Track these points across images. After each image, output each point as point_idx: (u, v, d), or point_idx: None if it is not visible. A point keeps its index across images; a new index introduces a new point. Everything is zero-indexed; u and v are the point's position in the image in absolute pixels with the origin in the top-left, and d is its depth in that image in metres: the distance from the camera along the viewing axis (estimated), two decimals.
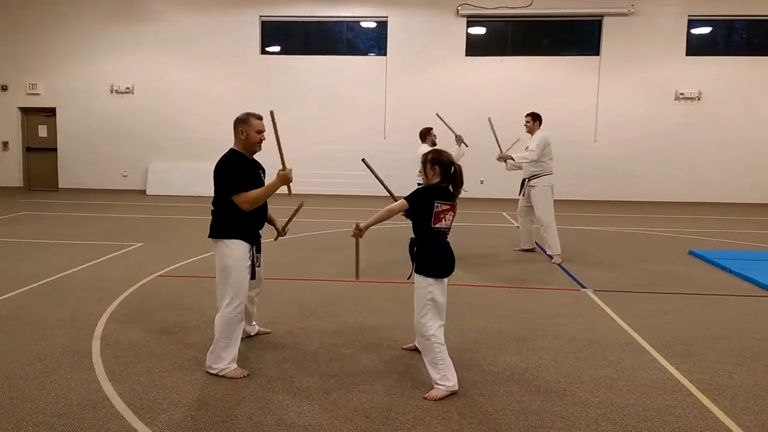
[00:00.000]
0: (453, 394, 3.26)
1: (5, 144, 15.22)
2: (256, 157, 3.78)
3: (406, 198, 3.31)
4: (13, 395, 3.23)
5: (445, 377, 3.25)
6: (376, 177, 4.34)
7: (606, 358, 3.88)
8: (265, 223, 3.87)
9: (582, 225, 10.13)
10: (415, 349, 3.81)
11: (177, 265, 6.51)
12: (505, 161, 7.44)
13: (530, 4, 13.90)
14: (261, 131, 3.69)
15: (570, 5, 13.94)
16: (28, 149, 15.36)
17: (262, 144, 3.72)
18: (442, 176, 3.30)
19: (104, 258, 6.86)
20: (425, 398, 3.22)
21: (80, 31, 14.72)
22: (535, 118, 7.29)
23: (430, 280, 3.27)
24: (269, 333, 4.31)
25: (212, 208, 3.69)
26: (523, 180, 7.46)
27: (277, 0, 14.41)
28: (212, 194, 3.67)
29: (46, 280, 5.76)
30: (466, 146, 7.50)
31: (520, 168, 7.41)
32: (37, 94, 14.97)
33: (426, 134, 7.56)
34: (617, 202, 13.89)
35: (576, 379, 3.54)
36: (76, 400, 3.18)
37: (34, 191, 14.90)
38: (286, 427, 2.92)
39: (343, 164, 14.45)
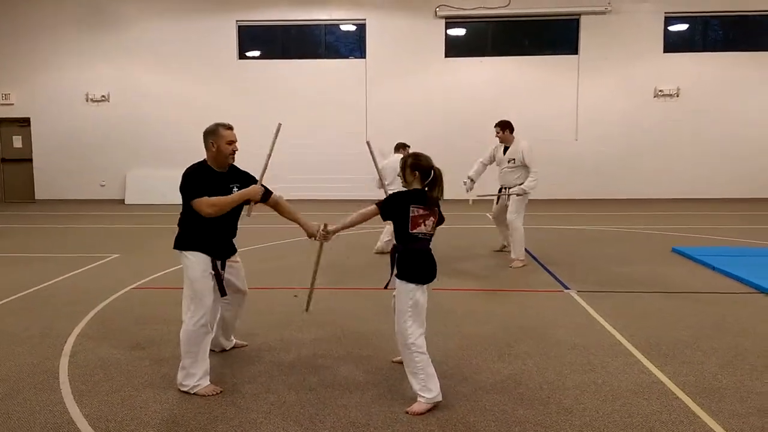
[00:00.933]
0: (435, 406, 3.15)
1: None
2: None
3: (377, 203, 3.23)
4: None
5: (426, 388, 3.13)
6: (375, 165, 4.25)
7: (590, 362, 3.81)
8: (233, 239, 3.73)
9: (564, 224, 10.10)
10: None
11: (152, 276, 6.36)
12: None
13: (508, 4, 13.90)
14: (232, 141, 3.57)
15: (547, 5, 13.96)
16: (2, 160, 15.06)
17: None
18: (422, 181, 3.20)
19: (79, 270, 6.68)
20: (406, 412, 3.11)
21: (53, 40, 14.46)
22: (505, 127, 6.94)
23: (412, 285, 3.16)
24: (246, 345, 4.18)
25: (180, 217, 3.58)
26: (501, 188, 7.24)
27: (254, 5, 14.26)
28: None
29: (17, 296, 5.58)
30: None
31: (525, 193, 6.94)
32: (11, 105, 14.67)
33: (402, 147, 7.56)
34: (599, 200, 13.91)
35: (560, 386, 3.45)
36: (39, 423, 3.03)
37: (10, 203, 14.59)
38: None
39: (323, 168, 14.35)
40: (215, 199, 3.45)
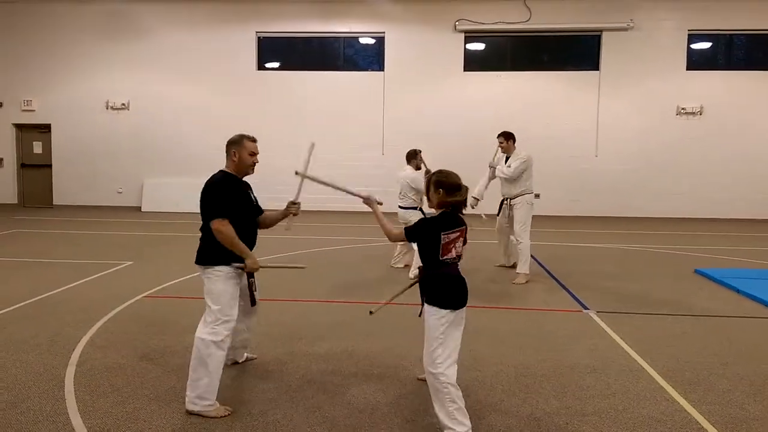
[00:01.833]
0: None
1: (0, 160, 15.08)
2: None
3: (406, 231, 3.07)
4: None
5: (456, 421, 2.87)
6: (322, 183, 3.91)
7: (610, 387, 3.65)
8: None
9: (584, 242, 9.92)
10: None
11: (165, 285, 6.30)
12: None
13: (528, 19, 13.82)
14: (254, 153, 3.56)
15: (569, 20, 13.85)
16: (22, 166, 15.21)
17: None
18: (448, 200, 2.97)
19: (92, 277, 6.65)
20: None
21: (75, 48, 14.64)
22: (508, 138, 7.03)
23: (444, 311, 2.92)
24: (255, 358, 4.09)
25: (201, 233, 3.47)
26: (503, 199, 7.23)
27: (274, 16, 14.33)
28: None
29: (28, 301, 5.55)
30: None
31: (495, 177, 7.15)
32: (32, 111, 14.85)
33: (412, 157, 7.35)
34: (619, 218, 13.68)
35: (578, 411, 3.31)
36: None
37: (29, 208, 14.72)
38: None
39: (339, 180, 14.27)
40: (231, 236, 3.32)
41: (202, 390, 3.21)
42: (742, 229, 11.96)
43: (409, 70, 14.27)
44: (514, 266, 7.25)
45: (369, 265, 7.48)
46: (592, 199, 13.96)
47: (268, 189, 14.98)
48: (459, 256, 3.04)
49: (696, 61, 13.95)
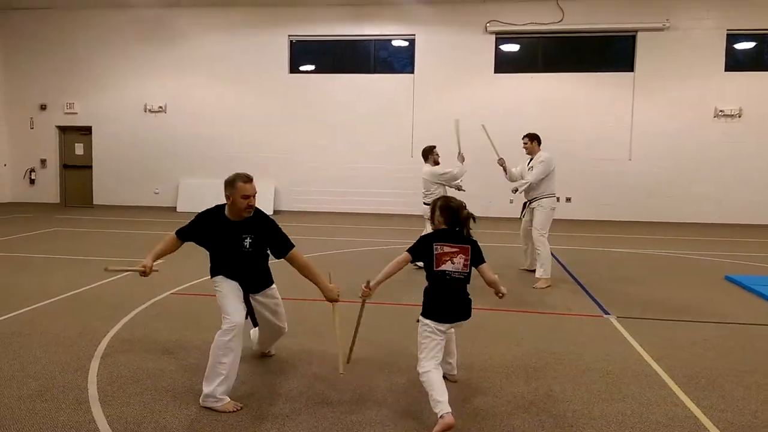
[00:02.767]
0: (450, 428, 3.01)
1: (43, 161, 15.69)
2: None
3: (408, 250, 3.34)
4: (2, 415, 3.18)
5: (435, 401, 3.02)
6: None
7: (620, 392, 3.63)
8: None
9: (612, 246, 9.77)
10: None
11: (191, 282, 6.50)
12: (504, 167, 7.31)
13: (561, 20, 13.68)
14: (247, 196, 3.42)
15: (602, 20, 13.65)
16: (65, 166, 15.80)
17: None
18: (447, 221, 3.29)
19: (124, 274, 6.87)
20: None
21: (115, 53, 15.16)
22: (533, 139, 7.04)
23: (426, 321, 3.21)
24: (273, 355, 4.21)
25: None
26: (525, 202, 7.21)
27: (306, 20, 14.55)
28: None
29: (63, 296, 5.81)
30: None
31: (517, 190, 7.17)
32: (74, 113, 15.43)
33: (429, 153, 7.38)
34: (653, 222, 13.41)
35: (584, 414, 3.30)
36: (62, 421, 3.12)
37: (70, 207, 15.28)
38: None
39: (371, 182, 14.42)
40: (160, 247, 4.00)
41: (216, 386, 3.32)
42: None
43: (439, 72, 14.30)
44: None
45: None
46: (624, 203, 13.73)
47: (298, 191, 15.28)
48: (462, 274, 3.22)
49: (735, 62, 13.58)
